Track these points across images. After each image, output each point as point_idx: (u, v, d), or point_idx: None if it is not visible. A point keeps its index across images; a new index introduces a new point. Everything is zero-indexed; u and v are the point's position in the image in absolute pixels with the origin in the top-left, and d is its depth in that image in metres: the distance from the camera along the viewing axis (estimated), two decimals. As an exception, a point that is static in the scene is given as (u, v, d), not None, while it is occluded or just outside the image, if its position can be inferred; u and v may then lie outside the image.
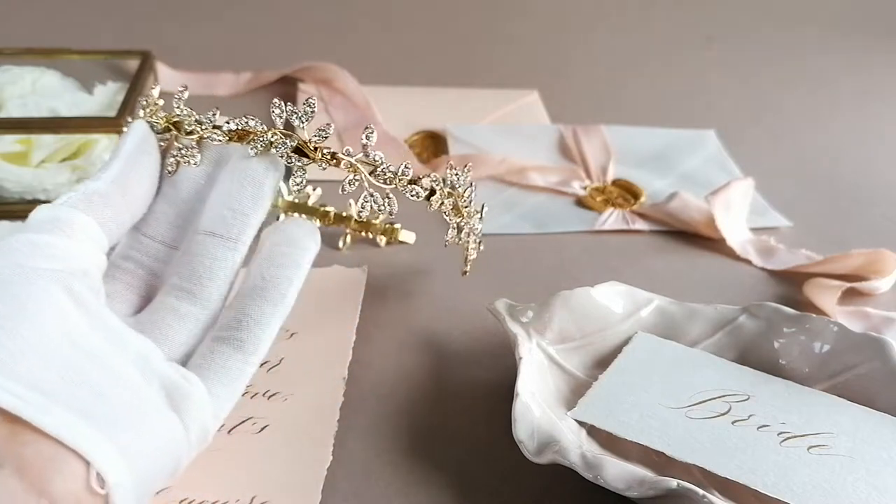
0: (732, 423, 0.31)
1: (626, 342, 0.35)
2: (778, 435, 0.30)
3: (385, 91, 0.63)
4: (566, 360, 0.35)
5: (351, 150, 0.29)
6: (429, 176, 0.31)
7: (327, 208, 0.44)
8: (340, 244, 0.44)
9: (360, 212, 0.30)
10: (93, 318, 0.24)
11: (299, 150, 0.29)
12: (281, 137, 0.28)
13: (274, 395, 0.33)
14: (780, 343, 0.35)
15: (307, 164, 0.29)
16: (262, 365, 0.34)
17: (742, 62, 0.76)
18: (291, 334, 0.37)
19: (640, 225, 0.49)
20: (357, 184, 0.29)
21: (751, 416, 0.31)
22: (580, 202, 0.51)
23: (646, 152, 0.57)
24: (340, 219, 0.44)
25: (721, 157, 0.57)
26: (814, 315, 0.35)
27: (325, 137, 0.29)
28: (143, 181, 0.28)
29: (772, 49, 0.80)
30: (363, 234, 0.44)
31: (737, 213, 0.48)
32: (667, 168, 0.55)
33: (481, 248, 0.37)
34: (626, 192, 0.52)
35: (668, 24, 0.85)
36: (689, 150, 0.58)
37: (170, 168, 0.29)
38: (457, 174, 0.32)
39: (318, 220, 0.44)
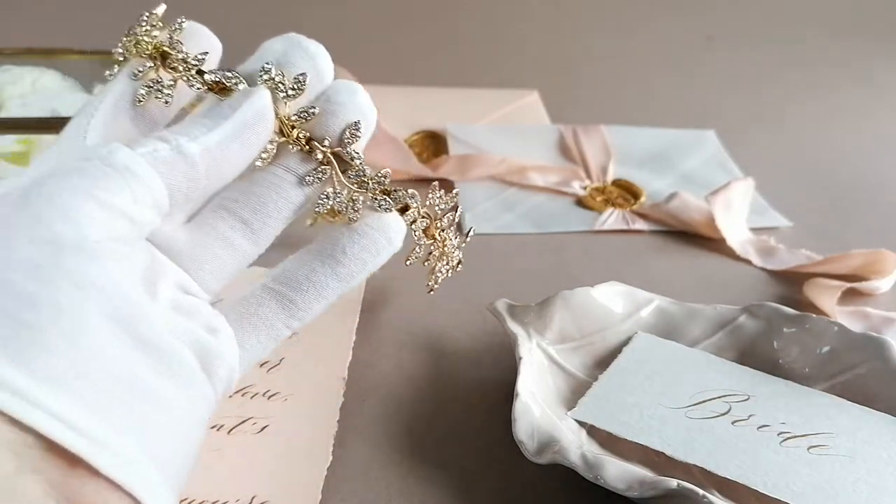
0: (732, 423, 0.31)
1: (626, 342, 0.35)
2: (778, 435, 0.30)
3: (385, 91, 0.63)
4: (566, 360, 0.35)
5: (330, 140, 0.27)
6: (406, 191, 0.28)
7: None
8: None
9: (316, 207, 0.27)
10: (137, 303, 0.21)
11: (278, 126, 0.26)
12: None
13: (274, 395, 0.33)
14: (780, 343, 0.35)
15: (278, 142, 0.26)
16: (262, 365, 0.35)
17: (742, 62, 0.76)
18: (291, 334, 0.37)
19: (640, 225, 0.49)
20: (324, 177, 0.27)
21: (751, 416, 0.31)
22: (580, 202, 0.51)
23: (646, 152, 0.57)
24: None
25: (721, 157, 0.57)
26: (814, 315, 0.35)
27: (308, 120, 0.26)
28: (239, 163, 0.25)
29: (772, 49, 0.80)
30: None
31: (737, 213, 0.48)
32: (667, 168, 0.55)
33: (459, 268, 0.34)
34: (626, 192, 0.52)
35: (668, 24, 0.85)
36: (689, 150, 0.58)
37: (139, 98, 0.26)
38: (440, 197, 0.30)
39: None
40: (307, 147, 0.26)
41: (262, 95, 0.25)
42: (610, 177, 0.53)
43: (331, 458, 0.30)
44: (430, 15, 0.82)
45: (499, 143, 0.56)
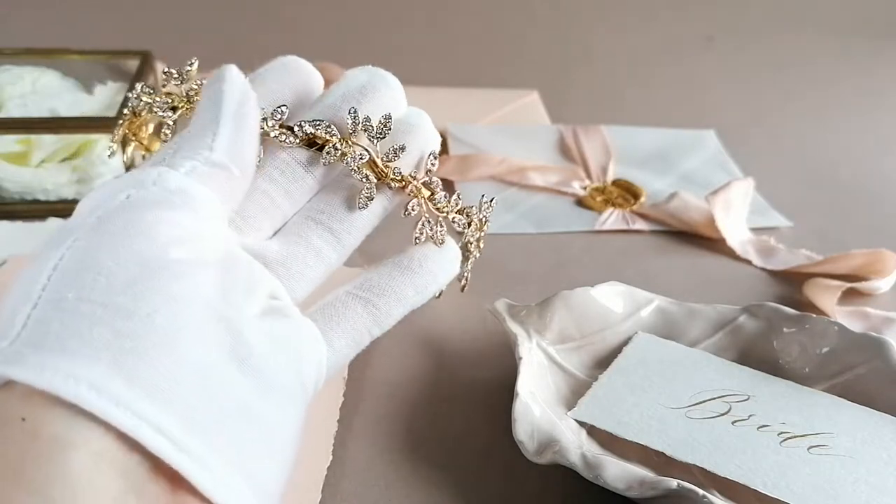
0: (732, 423, 0.31)
1: (626, 342, 0.35)
2: (778, 435, 0.30)
3: (385, 91, 0.63)
4: (566, 360, 0.35)
5: (415, 173, 0.28)
6: (471, 208, 0.31)
7: None
8: None
9: (417, 237, 0.29)
10: (227, 317, 0.22)
11: (371, 167, 0.27)
12: (355, 150, 0.27)
13: (274, 395, 0.33)
14: (780, 343, 0.35)
15: (375, 184, 0.27)
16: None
17: (742, 62, 0.76)
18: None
19: (640, 225, 0.49)
20: (417, 209, 0.28)
21: (751, 416, 0.31)
22: (580, 202, 0.51)
23: (646, 152, 0.57)
24: None
25: (721, 157, 0.57)
26: (814, 315, 0.35)
27: (399, 157, 0.28)
28: (253, 148, 0.25)
29: (772, 49, 0.80)
30: None
31: (737, 213, 0.48)
32: (667, 168, 0.55)
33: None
34: (626, 192, 0.52)
35: (668, 24, 0.85)
36: (689, 150, 0.58)
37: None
38: (489, 207, 0.32)
39: None
40: (401, 182, 0.28)
41: (229, 70, 0.26)
42: (610, 177, 0.53)
43: (331, 458, 0.30)
44: (430, 15, 0.82)
45: (499, 143, 0.56)
